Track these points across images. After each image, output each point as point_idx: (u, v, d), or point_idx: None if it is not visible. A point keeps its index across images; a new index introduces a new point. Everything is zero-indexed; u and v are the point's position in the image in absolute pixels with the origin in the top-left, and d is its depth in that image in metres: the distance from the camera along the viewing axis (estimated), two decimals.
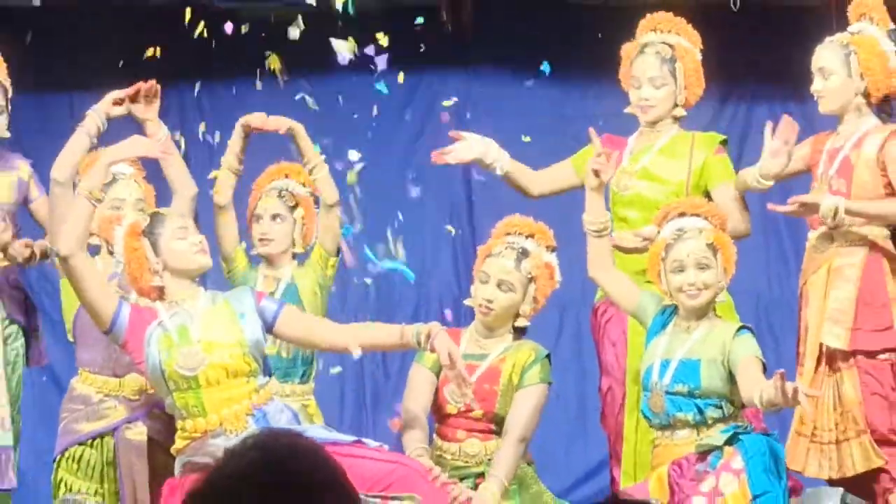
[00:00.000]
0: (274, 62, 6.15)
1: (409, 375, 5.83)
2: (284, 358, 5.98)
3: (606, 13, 7.57)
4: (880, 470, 5.81)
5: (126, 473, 5.83)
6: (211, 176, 6.19)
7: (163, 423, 5.70)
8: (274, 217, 6.07)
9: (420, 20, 6.57)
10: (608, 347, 6.15)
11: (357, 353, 5.53)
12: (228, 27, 6.41)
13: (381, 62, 6.36)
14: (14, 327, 6.40)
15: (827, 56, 6.03)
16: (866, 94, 6.01)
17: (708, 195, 6.07)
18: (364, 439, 5.51)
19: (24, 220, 6.60)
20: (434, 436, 5.75)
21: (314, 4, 6.68)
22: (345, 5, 6.46)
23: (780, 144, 5.85)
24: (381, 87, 6.33)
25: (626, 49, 6.25)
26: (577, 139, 6.61)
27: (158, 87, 5.92)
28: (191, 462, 5.41)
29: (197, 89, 7.70)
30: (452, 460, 5.63)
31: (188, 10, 6.92)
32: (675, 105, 6.17)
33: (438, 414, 5.75)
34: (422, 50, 7.66)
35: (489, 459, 5.60)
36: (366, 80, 6.79)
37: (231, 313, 5.49)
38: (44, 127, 7.18)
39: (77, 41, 8.35)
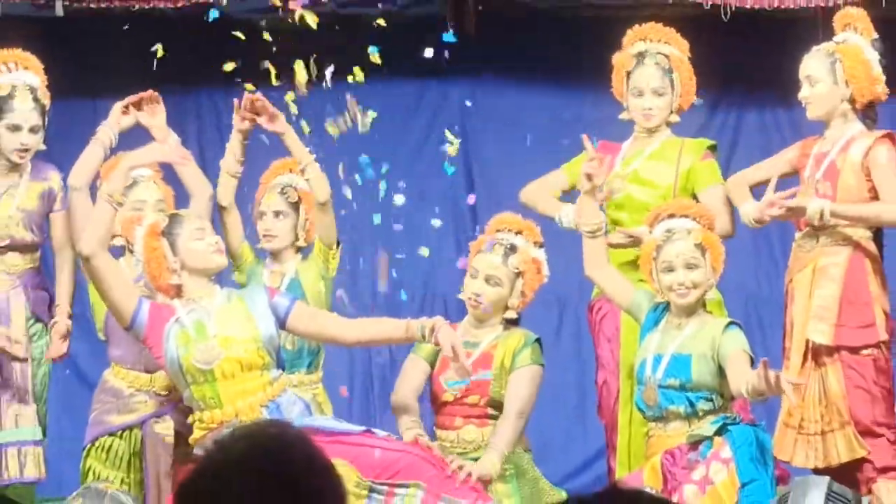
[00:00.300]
0: (299, 72, 6.14)
1: (404, 364, 5.87)
2: (290, 350, 5.97)
3: (603, 23, 7.56)
4: (863, 460, 5.82)
5: (152, 465, 5.86)
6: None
7: (189, 416, 5.69)
8: (276, 214, 6.08)
9: (450, 37, 6.54)
10: (604, 343, 6.16)
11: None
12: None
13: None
14: (39, 325, 6.40)
15: (813, 64, 6.03)
16: (852, 101, 6.01)
17: (695, 198, 6.09)
18: (372, 429, 5.53)
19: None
20: (434, 426, 5.78)
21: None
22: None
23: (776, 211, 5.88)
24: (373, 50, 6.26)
25: (620, 59, 6.25)
26: (576, 143, 6.62)
27: (158, 95, 5.93)
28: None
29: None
30: (451, 447, 5.65)
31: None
32: (671, 111, 6.19)
33: (435, 403, 5.78)
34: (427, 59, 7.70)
35: (487, 445, 5.62)
36: (374, 87, 6.78)
37: (245, 310, 5.50)
38: (68, 132, 7.16)
39: (99, 49, 8.36)
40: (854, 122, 6.02)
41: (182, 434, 5.77)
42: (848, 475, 5.70)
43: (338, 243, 6.13)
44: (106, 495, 5.30)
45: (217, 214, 6.10)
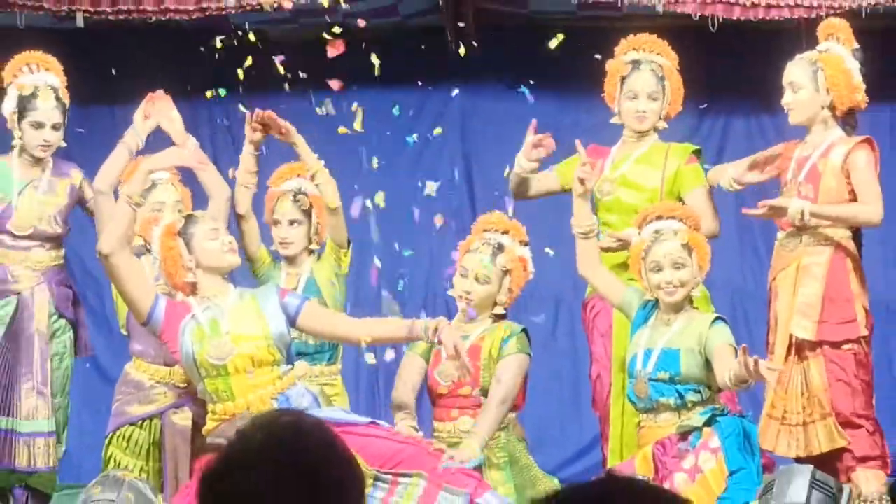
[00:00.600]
0: (328, 106, 6.16)
1: (402, 362, 5.90)
2: (312, 344, 6.00)
3: (598, 33, 7.56)
4: (843, 450, 5.82)
5: (170, 453, 5.86)
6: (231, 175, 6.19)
7: (206, 408, 5.69)
8: (291, 223, 6.07)
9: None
10: (597, 339, 6.16)
11: (365, 345, 5.58)
12: (280, 59, 6.36)
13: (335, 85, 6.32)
14: (62, 321, 6.40)
15: (796, 72, 6.03)
16: (832, 108, 6.01)
17: (681, 200, 6.10)
18: (378, 421, 5.53)
19: (75, 220, 6.63)
20: (432, 419, 5.81)
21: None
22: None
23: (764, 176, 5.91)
24: (396, 109, 6.31)
25: (614, 65, 6.25)
26: (570, 147, 6.62)
27: (168, 98, 5.93)
28: (219, 441, 5.44)
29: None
30: (448, 438, 5.66)
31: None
32: (660, 118, 6.20)
33: (431, 396, 5.83)
34: (429, 68, 7.71)
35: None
36: (382, 95, 6.80)
37: (257, 308, 5.50)
38: (89, 137, 7.18)
39: (117, 58, 8.36)
40: (834, 128, 6.02)
41: (199, 424, 5.76)
42: (829, 464, 5.69)
43: (349, 242, 6.14)
44: (124, 483, 5.29)
45: (235, 221, 6.11)
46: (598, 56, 6.52)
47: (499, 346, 5.72)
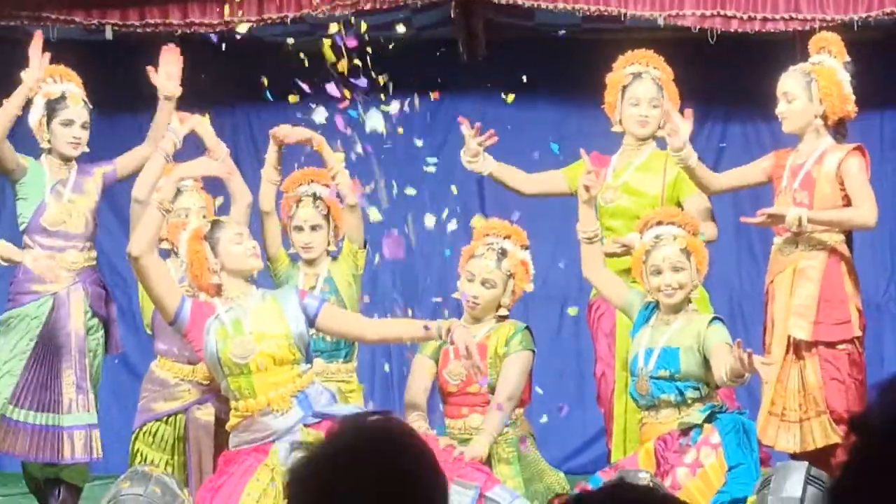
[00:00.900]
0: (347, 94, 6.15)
1: (412, 363, 5.90)
2: (329, 342, 5.97)
3: (602, 45, 7.53)
4: (837, 445, 5.79)
5: (194, 447, 5.85)
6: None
7: (229, 404, 5.68)
8: (313, 228, 6.04)
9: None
10: (602, 338, 6.14)
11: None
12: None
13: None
14: (95, 320, 6.39)
15: (790, 83, 6.01)
16: (824, 117, 5.99)
17: (680, 205, 6.08)
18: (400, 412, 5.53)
19: (103, 221, 6.61)
20: (444, 417, 5.81)
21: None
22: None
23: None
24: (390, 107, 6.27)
25: (615, 76, 6.23)
26: (574, 153, 6.60)
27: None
28: (241, 437, 5.42)
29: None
30: (460, 434, 5.66)
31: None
32: (658, 126, 6.18)
33: (442, 395, 5.82)
34: (442, 77, 7.68)
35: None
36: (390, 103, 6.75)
37: (279, 309, 5.48)
38: (116, 145, 7.13)
39: (144, 70, 8.34)
40: (826, 137, 6.00)
41: (222, 420, 5.75)
42: (822, 460, 5.66)
43: (364, 243, 6.12)
44: (151, 478, 5.28)
45: (256, 220, 6.09)
46: (598, 66, 6.49)
47: (504, 343, 5.71)
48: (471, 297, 5.76)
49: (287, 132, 6.01)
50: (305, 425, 5.36)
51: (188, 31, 7.84)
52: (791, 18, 7.65)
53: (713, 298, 6.15)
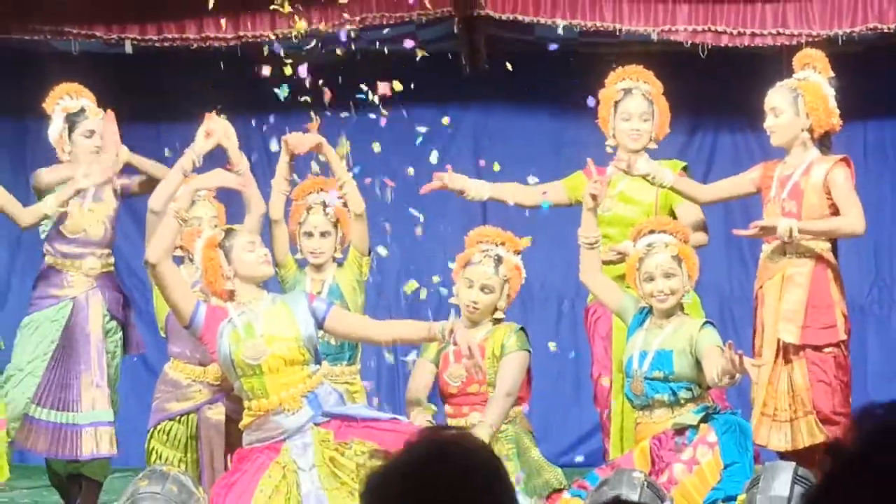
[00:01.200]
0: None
1: (414, 366, 5.88)
2: (334, 345, 5.93)
3: (598, 59, 7.49)
4: (824, 444, 5.76)
5: (206, 445, 5.81)
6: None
7: (239, 403, 5.63)
8: (323, 234, 6.00)
9: None
10: (598, 341, 6.10)
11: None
12: (303, 70, 6.29)
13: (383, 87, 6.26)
14: (114, 323, 6.38)
15: (778, 98, 5.97)
16: (811, 130, 5.95)
17: (673, 213, 6.04)
18: (398, 416, 5.49)
19: (122, 227, 6.58)
20: (445, 416, 5.80)
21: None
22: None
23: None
24: (420, 131, 6.26)
25: (607, 93, 6.20)
26: (570, 161, 6.56)
27: (221, 121, 5.85)
28: (254, 435, 5.39)
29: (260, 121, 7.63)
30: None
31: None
32: (650, 139, 6.14)
33: (443, 396, 5.81)
34: (446, 89, 7.65)
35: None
36: (396, 114, 6.71)
37: (289, 312, 5.44)
38: (136, 153, 7.10)
39: (163, 82, 8.32)
40: (812, 149, 5.97)
41: (232, 419, 5.72)
42: (810, 458, 5.62)
43: (369, 251, 6.08)
44: (168, 477, 5.23)
45: (268, 228, 6.05)
46: (595, 78, 6.45)
47: (500, 345, 5.69)
48: (470, 303, 5.73)
49: (298, 141, 5.96)
50: (315, 424, 5.32)
51: (203, 45, 7.82)
52: (779, 34, 7.63)
53: (704, 303, 6.12)
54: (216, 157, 5.95)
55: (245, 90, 7.46)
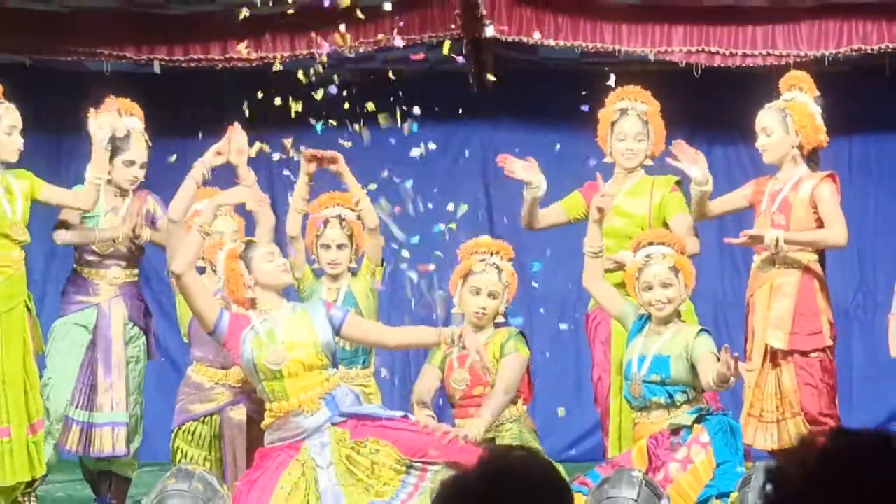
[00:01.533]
0: (384, 119, 6.11)
1: (421, 370, 5.89)
2: (348, 350, 5.93)
3: (599, 76, 7.46)
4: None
5: (229, 444, 5.80)
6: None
7: (259, 404, 5.63)
8: (339, 247, 6.01)
9: None
10: (598, 346, 6.08)
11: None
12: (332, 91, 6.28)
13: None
14: (136, 329, 6.38)
15: (768, 118, 5.97)
16: (800, 147, 5.94)
17: (666, 225, 6.02)
18: (409, 415, 5.48)
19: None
20: (453, 418, 5.80)
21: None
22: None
23: (692, 155, 5.78)
24: (414, 128, 6.23)
25: (604, 113, 6.20)
26: (575, 175, 6.54)
27: (243, 133, 5.84)
28: (275, 435, 5.38)
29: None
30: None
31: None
32: (646, 156, 6.13)
33: (450, 399, 5.82)
34: (454, 105, 7.63)
35: (497, 426, 5.63)
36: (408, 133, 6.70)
37: (308, 320, 5.43)
38: (163, 167, 7.10)
39: (187, 100, 8.32)
40: (802, 165, 5.96)
41: (253, 419, 5.72)
42: None
43: (382, 261, 6.08)
44: (194, 475, 5.22)
45: (282, 239, 6.05)
46: (596, 94, 6.44)
47: (500, 348, 5.70)
48: (479, 309, 5.74)
49: (320, 152, 5.96)
50: (332, 424, 5.32)
51: (227, 66, 7.83)
52: (768, 54, 7.62)
53: (699, 309, 6.10)
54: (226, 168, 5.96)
55: (265, 107, 7.45)
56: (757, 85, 7.40)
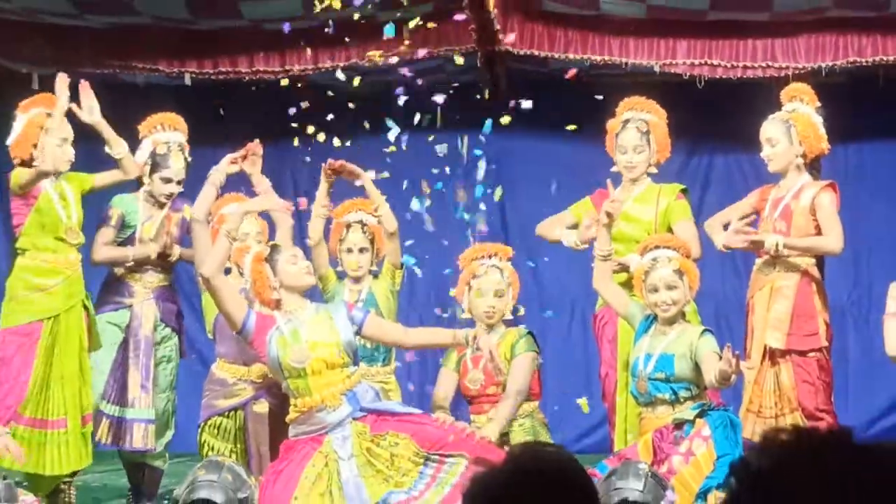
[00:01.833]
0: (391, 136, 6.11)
1: (438, 374, 5.91)
2: (369, 348, 5.93)
3: (609, 87, 7.45)
4: None
5: (253, 437, 5.81)
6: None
7: (280, 399, 5.65)
8: (361, 251, 6.03)
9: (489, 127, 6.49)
10: (606, 344, 6.06)
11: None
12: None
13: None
14: (168, 330, 6.38)
15: (772, 129, 5.94)
16: (803, 156, 5.92)
17: (671, 230, 6.00)
18: (426, 412, 5.48)
19: (187, 241, 6.56)
20: (469, 415, 5.82)
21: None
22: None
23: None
24: (441, 148, 6.25)
25: (611, 124, 6.18)
26: (585, 182, 6.52)
27: (260, 147, 5.83)
28: (299, 429, 5.38)
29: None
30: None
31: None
32: (650, 164, 6.10)
33: (466, 398, 5.82)
34: (466, 115, 7.61)
35: (510, 421, 5.65)
36: (424, 139, 6.69)
37: (330, 320, 5.43)
38: (194, 173, 7.10)
39: (217, 109, 8.32)
40: (804, 174, 5.94)
41: (275, 413, 5.72)
42: None
43: (402, 264, 6.07)
44: (224, 466, 5.22)
45: (306, 248, 6.05)
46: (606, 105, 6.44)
47: (510, 348, 5.69)
48: (489, 308, 5.77)
49: (341, 164, 5.96)
50: (354, 419, 5.32)
51: (254, 79, 7.84)
52: (768, 66, 7.61)
53: (702, 310, 6.08)
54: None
55: (286, 118, 7.46)
56: (757, 96, 7.39)
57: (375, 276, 6.07)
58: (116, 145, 6.13)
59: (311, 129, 6.16)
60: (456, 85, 7.26)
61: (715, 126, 8.35)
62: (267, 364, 5.45)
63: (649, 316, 5.59)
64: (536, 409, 5.80)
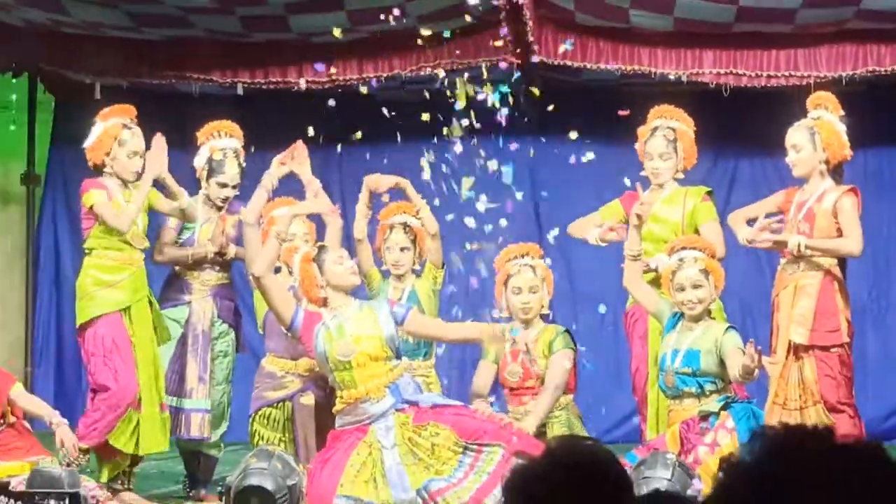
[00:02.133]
0: (456, 130, 6.09)
1: (478, 366, 5.90)
2: (411, 343, 5.93)
3: (636, 96, 7.43)
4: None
5: (300, 427, 5.81)
6: None
7: (325, 391, 5.65)
8: (402, 249, 6.04)
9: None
10: (636, 340, 6.03)
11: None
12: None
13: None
14: (225, 326, 6.39)
15: (797, 136, 5.88)
16: (826, 162, 5.86)
17: (697, 231, 5.97)
18: (465, 404, 5.48)
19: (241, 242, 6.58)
20: (507, 406, 5.81)
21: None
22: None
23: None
24: (494, 164, 6.25)
25: (641, 131, 6.16)
26: (616, 186, 6.49)
27: (305, 147, 5.81)
28: (345, 419, 5.39)
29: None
30: (522, 418, 5.60)
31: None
32: (677, 171, 6.07)
33: (506, 389, 5.81)
34: (504, 123, 7.59)
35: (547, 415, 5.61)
36: (465, 143, 6.68)
37: (374, 316, 5.44)
38: (246, 176, 7.13)
39: (266, 117, 8.35)
40: (827, 178, 5.88)
41: (321, 404, 5.72)
42: None
43: (443, 264, 6.07)
44: (274, 455, 5.24)
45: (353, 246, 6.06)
46: (626, 112, 6.40)
47: (548, 345, 5.68)
48: (524, 304, 5.75)
49: (377, 183, 5.98)
50: (396, 410, 5.32)
51: (302, 87, 7.85)
52: (790, 76, 7.57)
53: (727, 307, 6.03)
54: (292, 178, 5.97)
55: (336, 125, 7.47)
56: (780, 103, 7.35)
57: (418, 275, 6.07)
58: (180, 196, 6.14)
59: (358, 135, 6.16)
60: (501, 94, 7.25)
61: (739, 132, 8.30)
62: (314, 358, 5.46)
63: (676, 313, 5.56)
64: (572, 403, 5.79)
